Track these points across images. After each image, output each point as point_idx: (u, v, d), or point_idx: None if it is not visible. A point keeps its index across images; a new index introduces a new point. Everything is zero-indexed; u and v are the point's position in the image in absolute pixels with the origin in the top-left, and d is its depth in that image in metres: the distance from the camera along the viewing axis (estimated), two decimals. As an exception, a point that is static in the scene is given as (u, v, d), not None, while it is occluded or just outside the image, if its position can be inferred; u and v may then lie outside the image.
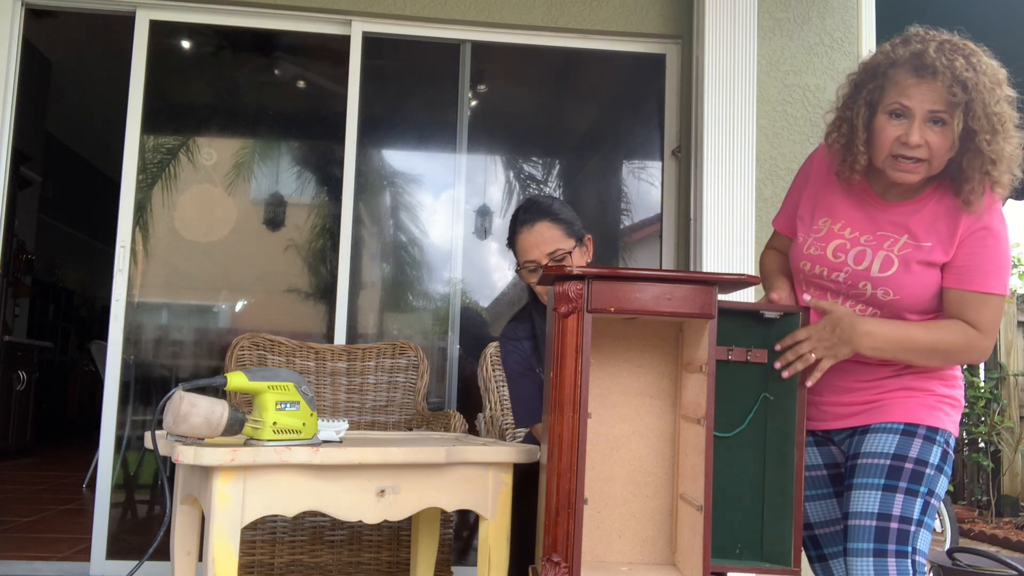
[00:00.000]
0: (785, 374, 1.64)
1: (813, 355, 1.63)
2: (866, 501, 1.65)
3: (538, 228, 2.07)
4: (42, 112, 6.52)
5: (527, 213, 2.11)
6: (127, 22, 3.47)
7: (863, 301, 1.73)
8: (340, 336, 3.41)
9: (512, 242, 2.14)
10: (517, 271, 2.19)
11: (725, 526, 1.63)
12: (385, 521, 1.74)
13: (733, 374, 1.67)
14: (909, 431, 1.70)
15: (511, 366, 2.19)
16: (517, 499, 1.85)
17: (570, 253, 2.07)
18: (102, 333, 3.56)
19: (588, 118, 3.98)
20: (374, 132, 3.62)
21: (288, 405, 1.64)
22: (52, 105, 6.67)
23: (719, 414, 1.62)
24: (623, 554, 1.63)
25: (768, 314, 1.68)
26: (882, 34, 3.49)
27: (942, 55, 1.65)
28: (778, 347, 1.66)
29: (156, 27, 3.51)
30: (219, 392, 1.63)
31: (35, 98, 6.14)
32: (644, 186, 3.78)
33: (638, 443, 1.64)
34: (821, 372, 1.65)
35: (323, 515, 2.39)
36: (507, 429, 2.71)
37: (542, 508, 1.55)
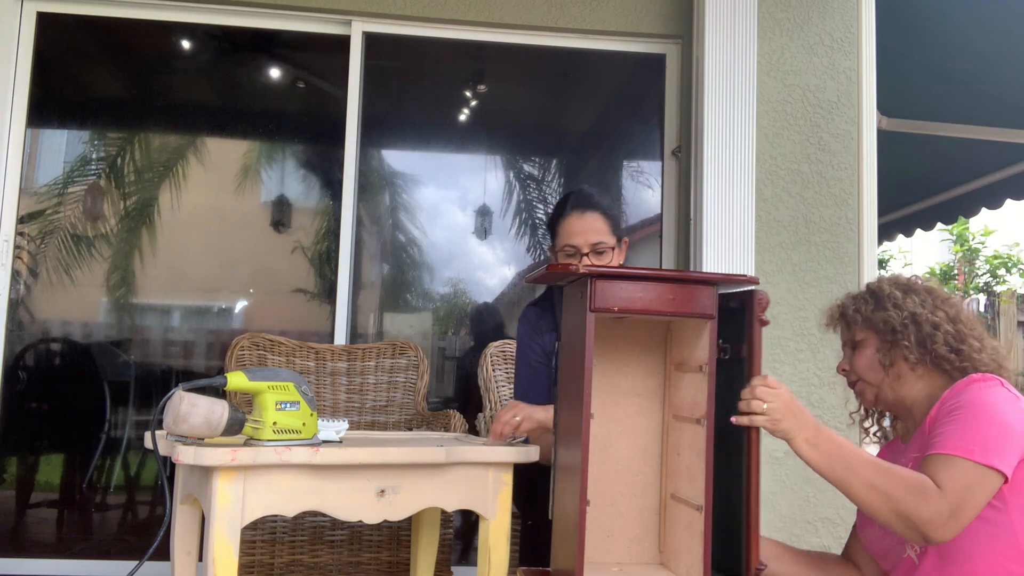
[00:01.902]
0: (734, 420, 1.51)
1: (764, 407, 1.48)
2: None
3: (589, 217, 2.10)
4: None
5: (581, 199, 2.15)
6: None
7: (914, 549, 1.65)
8: (340, 336, 3.41)
9: (555, 224, 2.16)
10: (550, 252, 2.21)
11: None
12: (385, 521, 1.74)
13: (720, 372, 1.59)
14: None
15: (528, 352, 2.18)
16: (530, 499, 1.85)
17: (612, 248, 2.10)
18: None
19: (588, 118, 3.98)
20: (374, 132, 3.62)
21: (288, 405, 1.64)
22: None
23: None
24: (612, 554, 1.63)
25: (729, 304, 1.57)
26: (882, 34, 3.50)
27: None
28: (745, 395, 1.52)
29: (154, 27, 3.51)
30: (219, 392, 1.63)
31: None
32: (644, 186, 3.78)
33: (627, 443, 1.64)
34: (750, 424, 1.49)
35: (323, 515, 2.39)
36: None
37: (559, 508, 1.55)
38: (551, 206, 3.82)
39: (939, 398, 1.64)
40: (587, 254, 2.10)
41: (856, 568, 1.85)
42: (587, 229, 2.10)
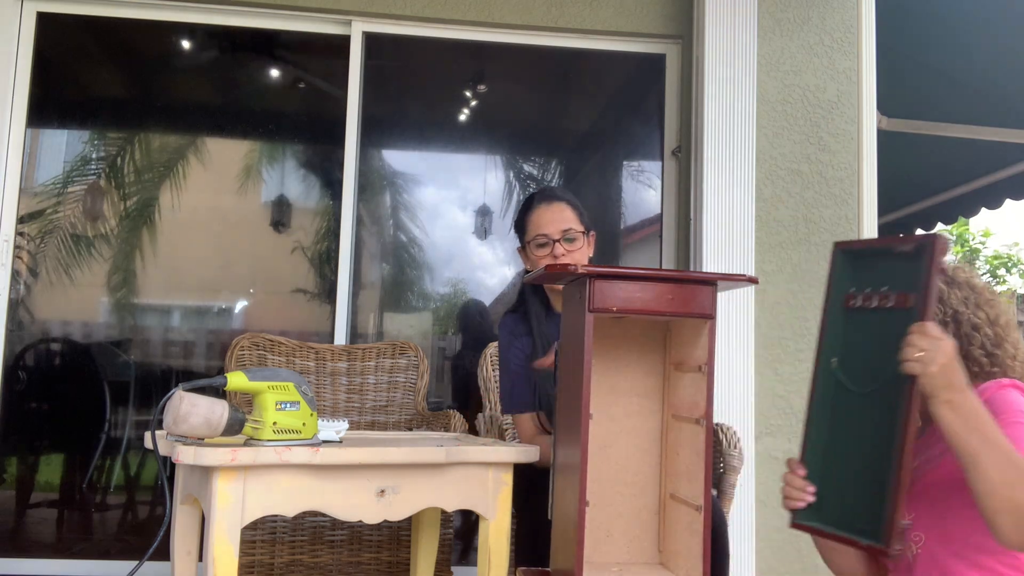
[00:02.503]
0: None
1: (918, 355, 1.40)
2: None
3: (556, 206, 2.17)
4: None
5: (547, 192, 2.24)
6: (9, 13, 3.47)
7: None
8: (340, 336, 3.41)
9: (523, 220, 2.22)
10: (521, 249, 2.25)
11: (828, 486, 1.50)
12: (385, 521, 1.74)
13: (868, 321, 1.49)
14: None
15: (509, 357, 2.22)
16: (528, 499, 1.85)
17: (583, 235, 2.16)
18: None
19: (588, 118, 3.98)
20: (374, 132, 3.62)
21: (288, 405, 1.64)
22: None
23: (851, 363, 1.50)
24: (611, 554, 1.63)
25: (900, 248, 1.47)
26: (882, 34, 3.50)
27: None
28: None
29: (154, 27, 3.51)
30: (219, 392, 1.63)
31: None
32: (644, 186, 3.78)
33: (626, 442, 1.64)
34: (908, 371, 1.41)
35: (323, 515, 2.39)
36: (507, 429, 2.71)
37: (556, 509, 1.55)
38: (551, 206, 3.82)
39: None
40: (558, 241, 2.14)
41: None
42: (557, 218, 2.16)
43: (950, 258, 1.72)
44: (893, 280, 1.47)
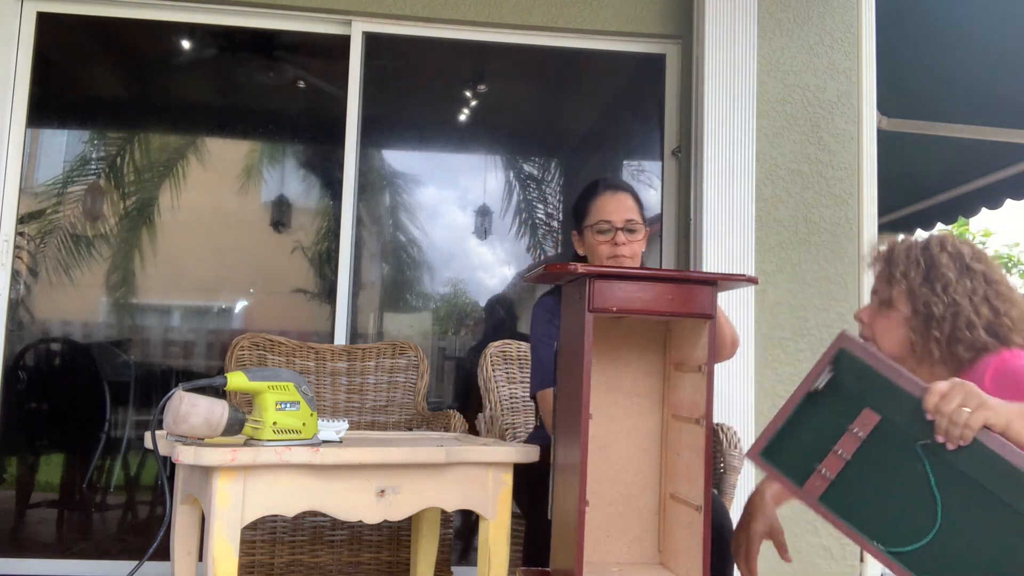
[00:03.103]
0: (950, 445, 1.32)
1: (965, 410, 1.30)
2: None
3: (621, 195, 2.21)
4: None
5: (614, 180, 2.28)
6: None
7: None
8: (340, 336, 3.41)
9: (585, 204, 2.24)
10: (576, 233, 2.27)
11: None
12: (385, 521, 1.74)
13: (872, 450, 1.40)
14: None
15: (545, 336, 2.22)
16: (535, 499, 1.85)
17: (642, 227, 2.19)
18: None
19: (588, 118, 3.98)
20: (374, 132, 3.62)
21: (288, 405, 1.64)
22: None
23: (890, 524, 1.38)
24: (611, 554, 1.63)
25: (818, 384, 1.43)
26: (882, 34, 3.50)
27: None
28: (929, 416, 1.34)
29: (154, 27, 3.51)
30: (219, 392, 1.63)
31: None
32: (644, 186, 3.78)
33: (626, 442, 1.64)
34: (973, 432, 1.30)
35: (323, 515, 2.39)
36: (507, 429, 2.71)
37: (557, 507, 1.55)
38: (551, 206, 3.83)
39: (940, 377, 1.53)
40: (620, 229, 2.16)
41: None
42: (620, 206, 2.19)
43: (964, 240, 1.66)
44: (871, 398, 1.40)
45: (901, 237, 1.70)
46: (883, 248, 1.69)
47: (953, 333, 1.58)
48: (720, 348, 2.09)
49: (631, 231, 2.18)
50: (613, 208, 2.18)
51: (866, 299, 3.40)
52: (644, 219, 2.23)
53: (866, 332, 1.68)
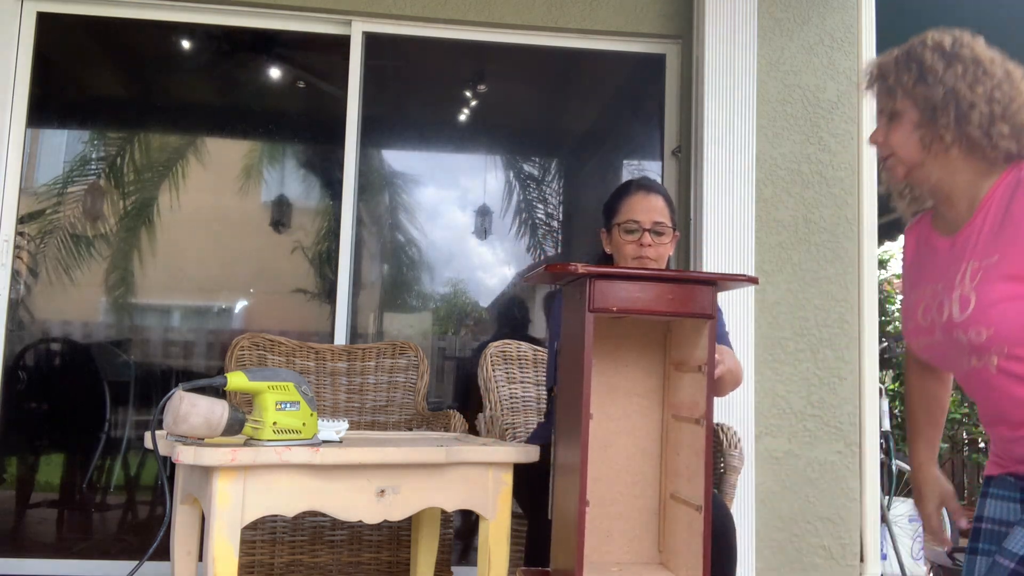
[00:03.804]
0: None
1: None
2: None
3: (653, 197, 2.22)
4: None
5: (647, 181, 2.28)
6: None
7: (975, 354, 1.51)
8: (340, 336, 3.41)
9: (616, 203, 2.25)
10: (604, 231, 2.28)
11: None
12: (385, 521, 1.74)
13: None
14: None
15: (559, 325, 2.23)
16: (538, 499, 1.84)
17: (671, 230, 2.21)
18: None
19: (588, 118, 3.98)
20: (374, 132, 3.62)
21: (288, 405, 1.64)
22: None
23: None
24: (611, 554, 1.63)
25: None
26: (882, 34, 3.50)
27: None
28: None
29: (154, 27, 3.51)
30: (219, 392, 1.63)
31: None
32: (644, 186, 3.78)
33: (626, 442, 1.64)
34: None
35: (323, 515, 2.39)
36: (507, 429, 2.71)
37: (559, 508, 1.55)
38: (551, 206, 3.83)
39: (980, 186, 1.55)
40: (648, 230, 2.17)
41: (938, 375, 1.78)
42: (651, 208, 2.20)
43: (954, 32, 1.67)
44: None
45: (880, 56, 1.71)
46: (871, 68, 1.69)
47: (958, 116, 1.55)
48: (719, 387, 2.02)
49: (658, 233, 2.18)
50: (643, 209, 2.19)
51: (866, 299, 3.41)
52: (674, 223, 2.24)
53: (884, 151, 1.66)
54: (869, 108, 3.48)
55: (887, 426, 4.07)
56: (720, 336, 2.26)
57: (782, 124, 3.45)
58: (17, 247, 3.38)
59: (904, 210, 1.76)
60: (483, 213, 3.73)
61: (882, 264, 7.37)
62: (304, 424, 1.65)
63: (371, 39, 3.56)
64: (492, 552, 1.76)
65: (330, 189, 3.60)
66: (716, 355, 1.55)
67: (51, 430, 3.49)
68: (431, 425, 2.79)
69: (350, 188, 3.47)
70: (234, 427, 1.60)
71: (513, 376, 2.85)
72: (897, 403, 5.99)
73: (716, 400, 1.50)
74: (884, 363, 5.04)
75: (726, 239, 3.29)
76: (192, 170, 3.59)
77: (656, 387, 1.66)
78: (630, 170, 3.91)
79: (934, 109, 1.57)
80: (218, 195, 3.63)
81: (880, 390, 3.45)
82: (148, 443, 1.62)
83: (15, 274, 3.37)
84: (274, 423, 1.62)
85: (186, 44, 3.64)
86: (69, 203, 3.51)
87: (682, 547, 1.55)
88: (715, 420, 1.61)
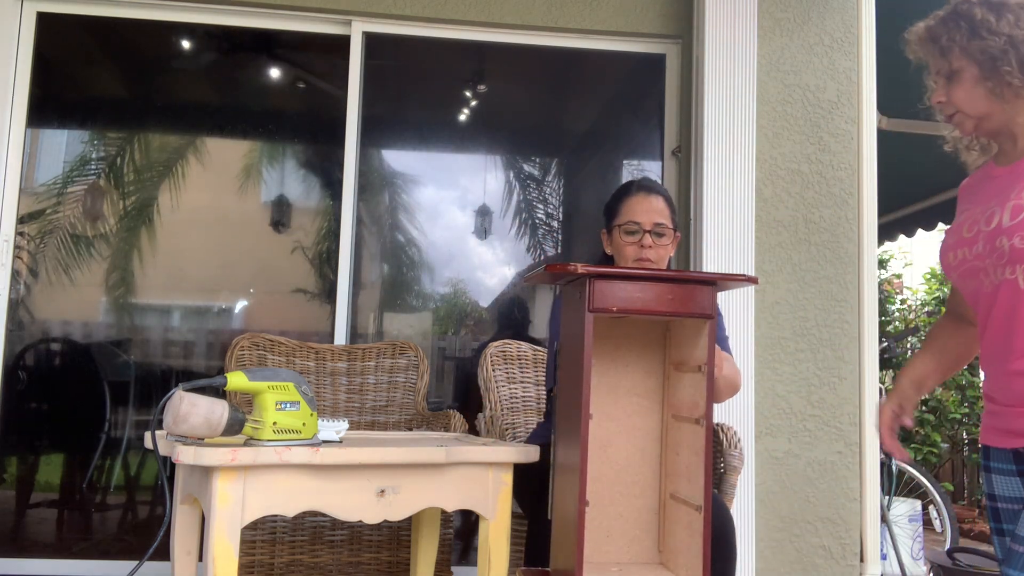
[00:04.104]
0: None
1: None
2: None
3: (653, 198, 2.22)
4: None
5: (648, 183, 2.28)
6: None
7: (1011, 264, 1.56)
8: (340, 336, 3.41)
9: (616, 204, 2.25)
10: (605, 232, 2.28)
11: None
12: (385, 521, 1.74)
13: None
14: None
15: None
16: (533, 498, 1.85)
17: (671, 232, 2.21)
18: None
19: (588, 118, 3.98)
20: (374, 132, 3.62)
21: (288, 405, 1.64)
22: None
23: None
24: (611, 554, 1.63)
25: None
26: (882, 34, 3.50)
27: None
28: None
29: (154, 27, 3.51)
30: (219, 392, 1.63)
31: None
32: (644, 186, 3.78)
33: (626, 442, 1.64)
34: None
35: (323, 515, 2.39)
36: (507, 429, 2.71)
37: (558, 508, 1.55)
38: (551, 206, 3.83)
39: None
40: (648, 231, 2.17)
41: (968, 321, 1.82)
42: (653, 209, 2.20)
43: None
44: None
45: (924, 21, 1.76)
46: (919, 34, 1.75)
47: (1021, 60, 1.60)
48: (716, 393, 2.02)
49: (659, 235, 2.18)
50: (643, 210, 2.19)
51: (866, 299, 3.40)
52: (675, 224, 2.24)
53: (948, 109, 1.70)
54: (869, 107, 3.48)
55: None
56: (719, 339, 2.26)
57: (782, 124, 3.45)
58: (17, 247, 3.38)
59: (974, 162, 1.82)
60: (483, 213, 3.73)
61: (882, 264, 7.36)
62: (304, 424, 1.65)
63: (371, 39, 3.56)
64: (492, 552, 1.76)
65: (330, 189, 3.60)
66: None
67: (51, 430, 3.49)
68: (431, 425, 2.79)
69: (350, 188, 3.48)
70: (234, 427, 1.60)
71: (513, 376, 2.85)
72: (897, 403, 5.98)
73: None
74: (884, 363, 5.04)
75: (726, 239, 3.29)
76: (192, 170, 3.59)
77: (656, 387, 1.66)
78: (630, 170, 3.91)
79: (994, 60, 1.60)
80: (218, 195, 3.63)
81: (880, 390, 3.45)
82: (148, 443, 1.62)
83: (15, 274, 3.37)
84: (274, 423, 1.62)
85: (186, 44, 3.64)
86: (69, 203, 3.51)
87: (682, 547, 1.55)
88: (715, 420, 1.61)
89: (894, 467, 4.01)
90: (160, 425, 1.61)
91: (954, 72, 1.66)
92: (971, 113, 1.66)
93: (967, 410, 6.33)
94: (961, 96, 1.66)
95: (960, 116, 1.68)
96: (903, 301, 7.63)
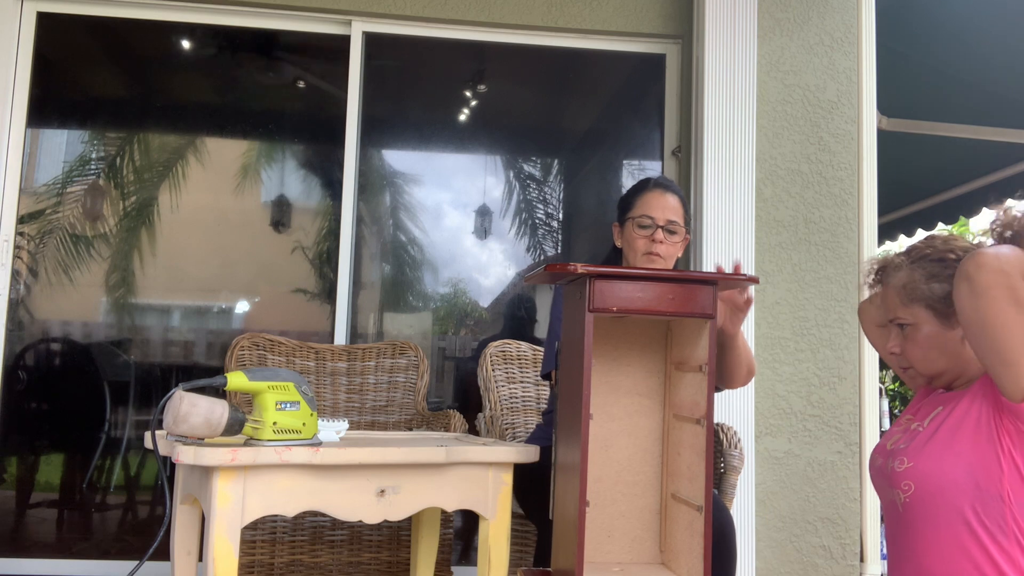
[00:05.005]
0: None
1: None
2: None
3: (669, 196, 2.25)
4: None
5: (662, 180, 2.31)
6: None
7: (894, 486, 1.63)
8: (340, 336, 3.41)
9: (632, 198, 2.28)
10: (617, 225, 2.31)
11: None
12: (385, 521, 1.74)
13: None
14: None
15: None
16: (538, 501, 1.85)
17: (683, 230, 2.23)
18: None
19: (588, 118, 3.98)
20: (374, 132, 3.62)
21: (288, 405, 1.64)
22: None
23: None
24: (612, 554, 1.63)
25: None
26: (882, 34, 3.50)
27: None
28: None
29: (154, 27, 3.51)
30: (219, 392, 1.63)
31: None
32: (644, 186, 3.78)
33: (627, 442, 1.64)
34: None
35: (323, 515, 2.39)
36: (507, 429, 2.71)
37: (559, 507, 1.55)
38: (551, 206, 3.83)
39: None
40: (661, 227, 2.19)
41: None
42: (667, 206, 2.22)
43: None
44: None
45: (890, 252, 1.79)
46: (891, 277, 1.72)
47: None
48: (735, 372, 2.08)
49: (671, 232, 2.20)
50: (658, 206, 2.21)
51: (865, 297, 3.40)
52: (687, 225, 2.26)
53: (902, 363, 1.72)
54: (869, 107, 3.48)
55: (887, 426, 4.07)
56: None
57: (782, 124, 3.45)
58: (17, 247, 3.38)
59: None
60: (483, 213, 3.73)
61: (882, 264, 7.36)
62: (304, 424, 1.65)
63: (371, 39, 3.56)
64: (492, 552, 1.76)
65: (330, 189, 3.60)
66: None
67: (51, 430, 3.48)
68: (431, 425, 2.79)
69: (350, 188, 3.47)
70: (234, 427, 1.60)
71: (513, 376, 2.85)
72: (897, 403, 5.99)
73: (716, 399, 1.50)
74: (884, 363, 5.04)
75: (726, 239, 3.29)
76: (192, 170, 3.59)
77: (657, 387, 1.66)
78: (630, 170, 3.91)
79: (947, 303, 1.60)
80: (218, 195, 3.63)
81: (880, 390, 3.45)
82: (148, 443, 1.62)
83: (15, 274, 3.37)
84: (274, 423, 1.62)
85: (186, 44, 3.64)
86: (69, 203, 3.51)
87: (683, 547, 1.55)
88: (715, 420, 1.61)
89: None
90: (160, 425, 1.61)
91: (908, 324, 1.67)
92: (924, 371, 1.69)
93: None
94: (916, 353, 1.67)
95: (912, 372, 1.71)
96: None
